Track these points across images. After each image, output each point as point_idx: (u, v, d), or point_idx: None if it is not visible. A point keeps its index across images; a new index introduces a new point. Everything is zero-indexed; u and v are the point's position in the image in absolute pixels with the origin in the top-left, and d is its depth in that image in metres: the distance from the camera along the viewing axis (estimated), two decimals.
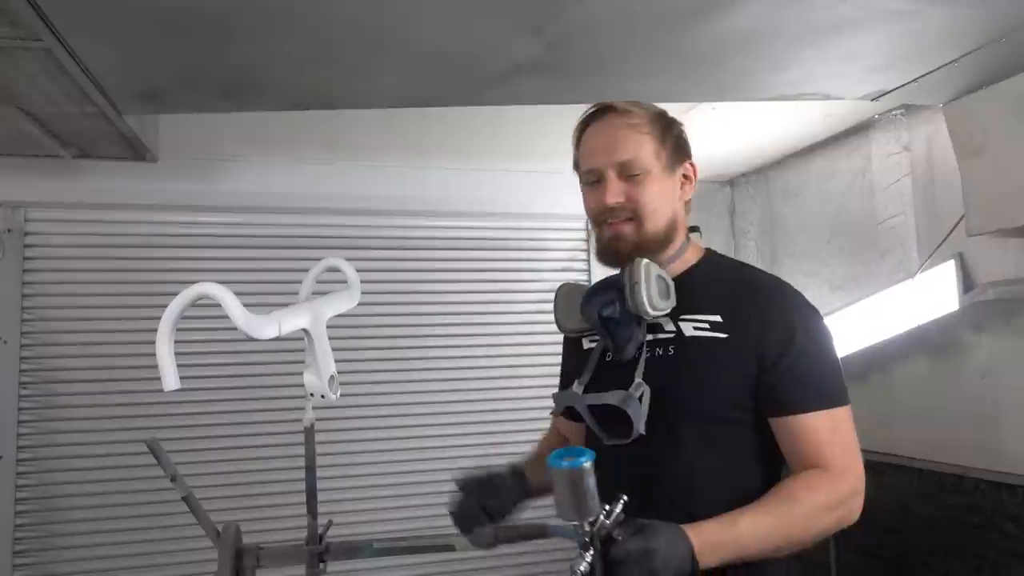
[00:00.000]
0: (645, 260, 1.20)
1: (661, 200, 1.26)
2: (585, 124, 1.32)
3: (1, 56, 1.38)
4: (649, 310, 1.18)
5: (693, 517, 1.11)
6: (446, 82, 1.64)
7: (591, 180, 1.29)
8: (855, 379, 2.30)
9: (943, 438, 1.98)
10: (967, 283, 1.98)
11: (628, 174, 1.24)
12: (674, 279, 1.25)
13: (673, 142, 1.30)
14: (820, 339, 1.24)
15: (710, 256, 1.37)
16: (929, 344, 2.06)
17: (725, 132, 2.41)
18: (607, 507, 1.01)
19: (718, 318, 1.21)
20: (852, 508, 1.17)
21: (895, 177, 2.25)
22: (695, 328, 1.22)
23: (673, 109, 2.18)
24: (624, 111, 1.28)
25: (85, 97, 1.60)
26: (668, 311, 1.22)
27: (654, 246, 1.26)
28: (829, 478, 1.15)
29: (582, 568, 0.98)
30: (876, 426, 2.18)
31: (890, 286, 2.21)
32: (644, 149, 1.25)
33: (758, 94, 1.77)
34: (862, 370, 2.25)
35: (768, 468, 1.23)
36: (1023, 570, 1.71)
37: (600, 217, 1.28)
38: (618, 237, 1.26)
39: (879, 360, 2.21)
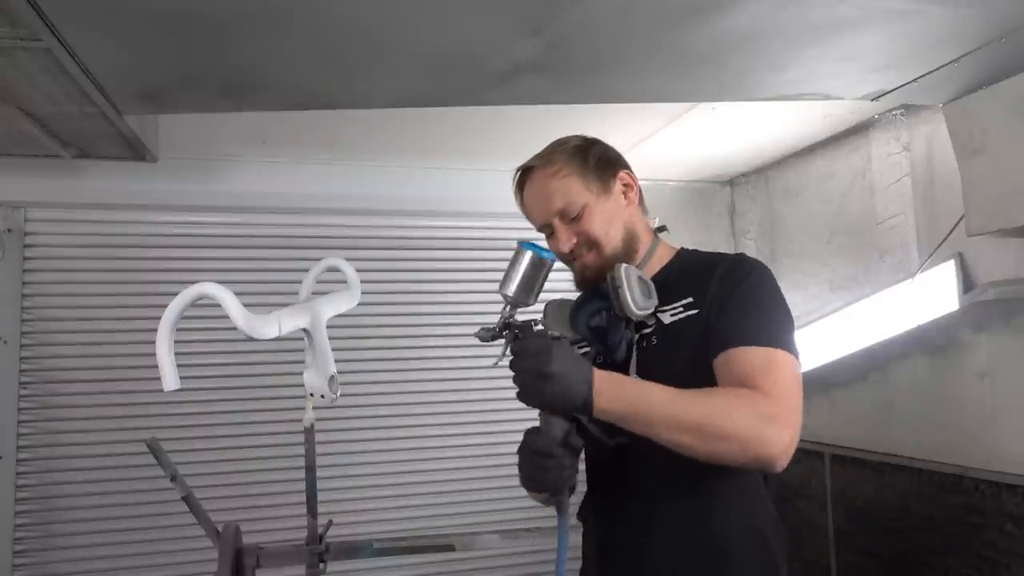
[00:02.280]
0: (624, 264, 1.25)
1: (609, 224, 1.31)
2: (520, 190, 1.38)
3: (1, 56, 1.38)
4: (635, 310, 1.23)
5: (690, 492, 1.19)
6: (446, 82, 1.64)
7: (546, 233, 1.37)
8: (855, 379, 2.32)
9: (943, 438, 1.98)
10: (967, 283, 1.98)
11: (570, 218, 1.31)
12: (652, 277, 1.31)
13: (595, 166, 1.33)
14: (763, 288, 1.23)
15: (682, 254, 1.40)
16: (929, 344, 2.06)
17: (725, 132, 2.41)
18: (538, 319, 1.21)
19: (690, 299, 1.26)
20: (768, 435, 1.06)
21: (895, 177, 2.26)
22: (672, 315, 1.27)
23: (673, 109, 2.22)
24: (544, 164, 1.34)
25: (85, 97, 1.60)
26: (652, 310, 1.26)
27: (620, 261, 1.32)
28: (754, 392, 1.10)
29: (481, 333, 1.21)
30: (876, 426, 2.19)
31: (890, 286, 2.21)
32: (572, 190, 1.31)
33: (758, 94, 1.77)
34: (862, 370, 2.25)
35: None
36: (1023, 570, 1.71)
37: (565, 259, 1.37)
38: (586, 267, 1.34)
39: (879, 360, 2.21)
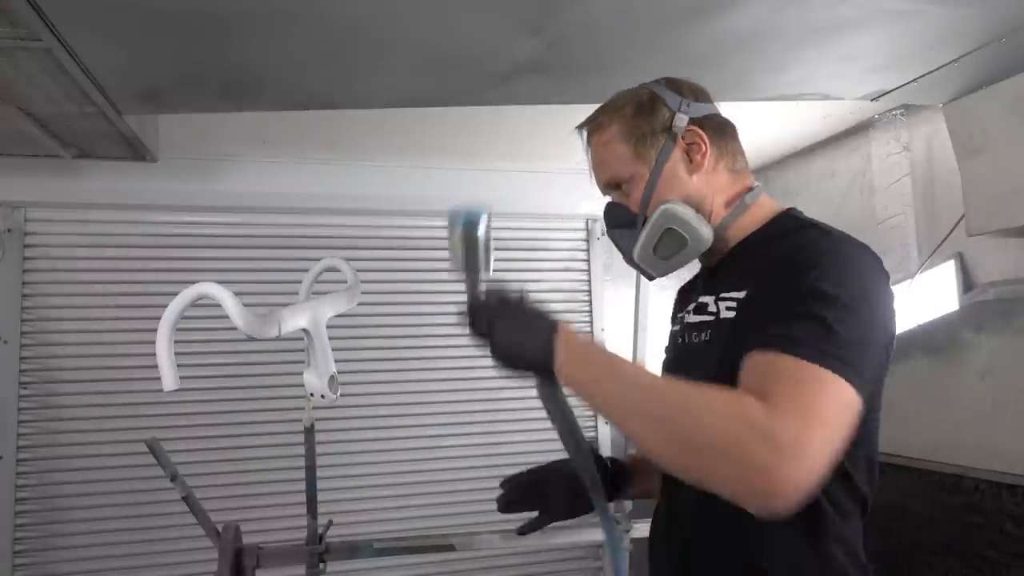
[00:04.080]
0: (669, 206, 1.07)
1: (656, 200, 1.09)
2: (588, 146, 1.20)
3: (1, 56, 1.39)
4: (634, 257, 1.12)
5: (733, 519, 0.88)
6: (446, 82, 1.64)
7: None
8: None
9: (943, 438, 1.98)
10: (967, 283, 1.98)
11: (618, 186, 1.14)
12: (729, 251, 1.11)
13: (647, 128, 1.11)
14: (835, 280, 0.90)
15: (777, 219, 1.10)
16: (929, 344, 2.05)
17: None
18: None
19: (743, 294, 1.01)
20: (758, 456, 0.76)
21: (895, 177, 2.26)
22: (727, 309, 1.05)
23: None
24: (593, 128, 1.16)
25: (85, 97, 1.60)
26: (656, 275, 1.14)
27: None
28: (749, 398, 0.81)
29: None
30: None
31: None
32: (616, 160, 1.12)
33: (758, 94, 1.77)
34: None
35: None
36: (1023, 570, 1.71)
37: None
38: None
39: None
